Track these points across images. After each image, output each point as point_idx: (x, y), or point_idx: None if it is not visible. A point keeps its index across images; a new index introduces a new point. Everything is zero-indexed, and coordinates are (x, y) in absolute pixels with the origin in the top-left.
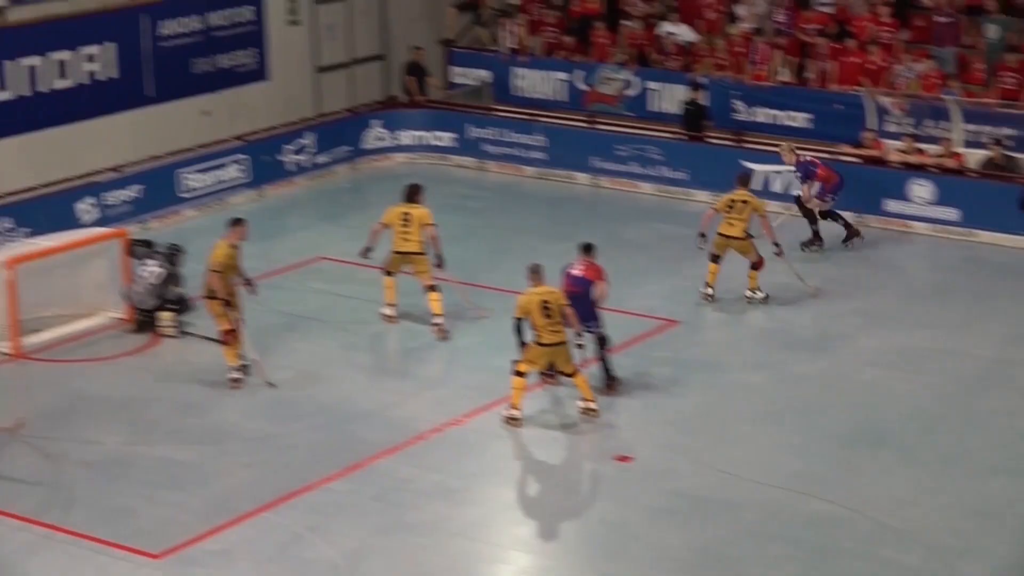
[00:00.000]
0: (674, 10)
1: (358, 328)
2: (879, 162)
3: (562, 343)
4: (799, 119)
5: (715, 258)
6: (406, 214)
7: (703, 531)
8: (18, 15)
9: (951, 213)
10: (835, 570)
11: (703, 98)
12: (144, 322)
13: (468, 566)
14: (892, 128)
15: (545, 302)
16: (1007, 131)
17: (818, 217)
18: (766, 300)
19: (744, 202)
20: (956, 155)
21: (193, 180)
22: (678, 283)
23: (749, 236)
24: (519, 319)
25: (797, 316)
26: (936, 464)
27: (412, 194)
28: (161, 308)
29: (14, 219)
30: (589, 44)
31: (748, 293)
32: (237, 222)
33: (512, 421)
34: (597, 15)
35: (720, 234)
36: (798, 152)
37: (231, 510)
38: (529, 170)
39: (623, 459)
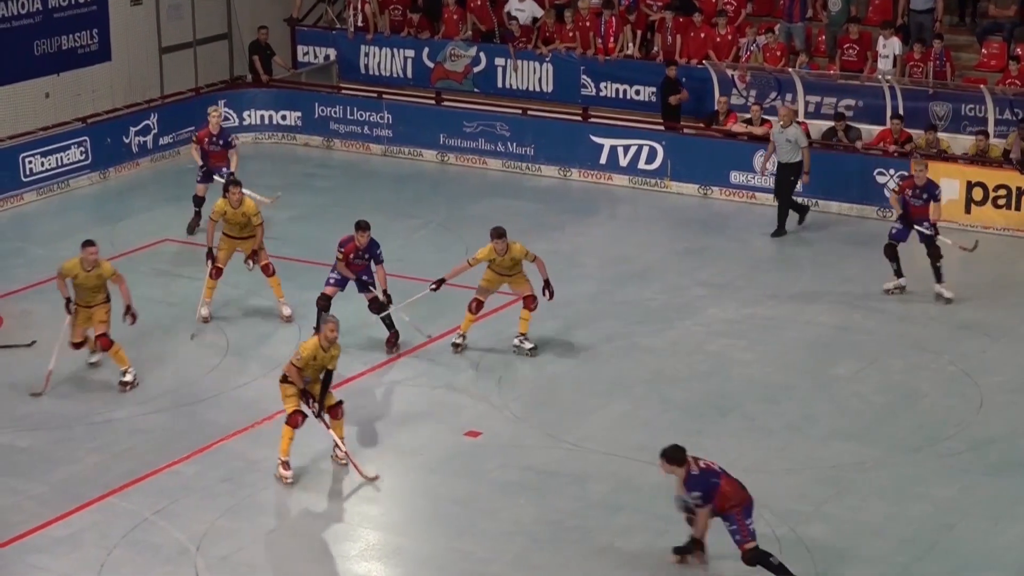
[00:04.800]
0: None
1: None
2: (729, 135)
3: None
4: (645, 93)
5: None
6: None
7: (554, 504)
8: None
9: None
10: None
11: (674, 73)
12: None
13: (317, 544)
14: (736, 101)
15: None
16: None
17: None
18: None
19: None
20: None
21: (34, 163)
22: None
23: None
24: None
25: (645, 288)
26: (782, 432)
27: None
28: None
29: None
30: (437, 21)
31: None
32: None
33: None
34: None
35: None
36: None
37: (76, 496)
38: (376, 148)
39: (472, 435)
